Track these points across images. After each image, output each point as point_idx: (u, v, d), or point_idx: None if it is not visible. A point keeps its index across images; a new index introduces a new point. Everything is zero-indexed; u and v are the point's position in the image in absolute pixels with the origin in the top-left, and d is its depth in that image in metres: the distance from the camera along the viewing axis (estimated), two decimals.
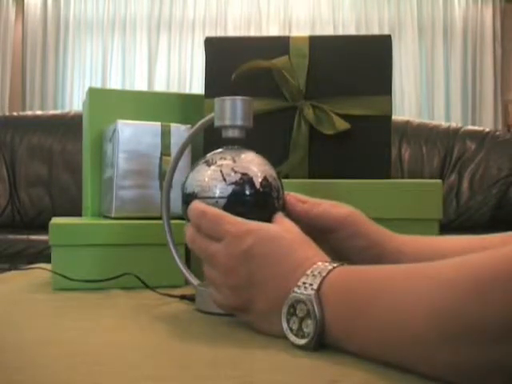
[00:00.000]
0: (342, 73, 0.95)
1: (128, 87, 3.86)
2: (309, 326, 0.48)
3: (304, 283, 0.49)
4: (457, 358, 0.39)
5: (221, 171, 0.58)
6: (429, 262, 0.44)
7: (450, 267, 0.42)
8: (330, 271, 0.49)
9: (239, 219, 0.55)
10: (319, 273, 0.49)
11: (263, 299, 0.52)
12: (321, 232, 0.60)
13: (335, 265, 0.50)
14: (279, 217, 0.58)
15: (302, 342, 0.48)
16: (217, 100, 0.63)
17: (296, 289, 0.49)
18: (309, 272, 0.50)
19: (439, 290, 0.40)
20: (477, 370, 0.38)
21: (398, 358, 0.43)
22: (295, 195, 0.62)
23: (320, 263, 0.50)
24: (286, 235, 0.54)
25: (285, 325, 0.50)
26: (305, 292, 0.48)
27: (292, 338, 0.49)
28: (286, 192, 0.62)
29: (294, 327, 0.49)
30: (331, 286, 0.48)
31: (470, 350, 0.38)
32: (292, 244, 0.53)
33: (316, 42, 0.96)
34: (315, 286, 0.48)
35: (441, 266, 0.43)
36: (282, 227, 0.56)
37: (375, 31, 3.87)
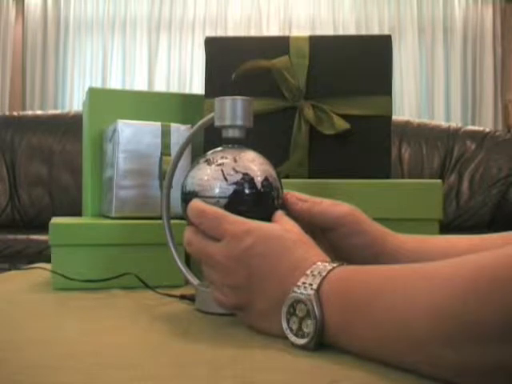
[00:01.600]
0: (342, 73, 0.95)
1: (128, 87, 3.86)
2: (309, 326, 0.48)
3: (304, 283, 0.49)
4: (457, 357, 0.39)
5: (222, 171, 0.58)
6: (429, 262, 0.44)
7: (450, 267, 0.42)
8: (329, 271, 0.49)
9: (239, 218, 0.55)
10: (319, 273, 0.49)
11: (263, 299, 0.52)
12: (321, 230, 0.60)
13: (335, 265, 0.50)
14: (279, 215, 0.58)
15: (302, 341, 0.48)
16: (217, 100, 0.63)
17: (296, 289, 0.49)
18: (308, 272, 0.50)
19: (439, 289, 0.40)
20: (477, 370, 0.38)
21: (397, 358, 0.43)
22: (295, 194, 0.62)
23: (320, 263, 0.50)
24: (285, 235, 0.54)
25: (285, 324, 0.50)
26: (304, 292, 0.48)
27: (292, 337, 0.49)
28: (285, 191, 0.62)
29: (294, 327, 0.49)
30: (331, 286, 0.48)
31: (470, 350, 0.38)
32: (292, 244, 0.53)
33: (316, 42, 0.96)
34: (315, 286, 0.48)
35: (440, 265, 0.43)
36: (282, 226, 0.55)
37: (375, 31, 3.87)
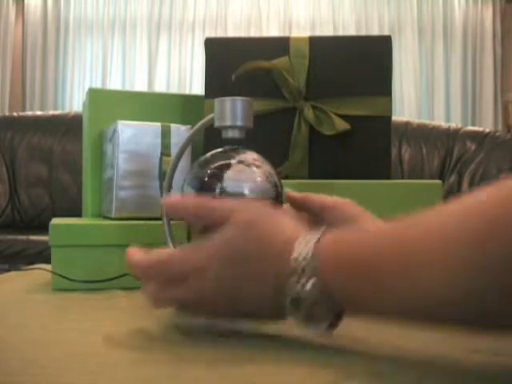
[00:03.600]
0: (342, 73, 0.95)
1: (128, 87, 3.87)
2: (317, 315, 0.46)
3: (298, 281, 0.47)
4: (485, 308, 0.38)
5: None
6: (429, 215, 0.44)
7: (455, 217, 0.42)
8: (317, 252, 0.46)
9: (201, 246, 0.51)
10: (311, 265, 0.46)
11: (262, 303, 0.51)
12: (318, 214, 0.62)
13: (316, 241, 0.46)
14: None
15: (316, 329, 0.47)
16: (217, 100, 0.63)
17: (291, 287, 0.47)
18: (299, 269, 0.46)
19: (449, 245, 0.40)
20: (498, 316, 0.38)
21: (422, 321, 0.42)
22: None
23: (303, 251, 0.46)
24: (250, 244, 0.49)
25: (294, 319, 0.48)
26: (302, 289, 0.46)
27: (304, 328, 0.47)
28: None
29: (303, 319, 0.47)
30: (329, 263, 0.45)
31: (495, 298, 0.37)
32: (254, 253, 0.49)
33: (316, 43, 0.96)
34: (314, 281, 0.46)
35: (442, 220, 0.43)
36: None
37: (375, 31, 3.88)
